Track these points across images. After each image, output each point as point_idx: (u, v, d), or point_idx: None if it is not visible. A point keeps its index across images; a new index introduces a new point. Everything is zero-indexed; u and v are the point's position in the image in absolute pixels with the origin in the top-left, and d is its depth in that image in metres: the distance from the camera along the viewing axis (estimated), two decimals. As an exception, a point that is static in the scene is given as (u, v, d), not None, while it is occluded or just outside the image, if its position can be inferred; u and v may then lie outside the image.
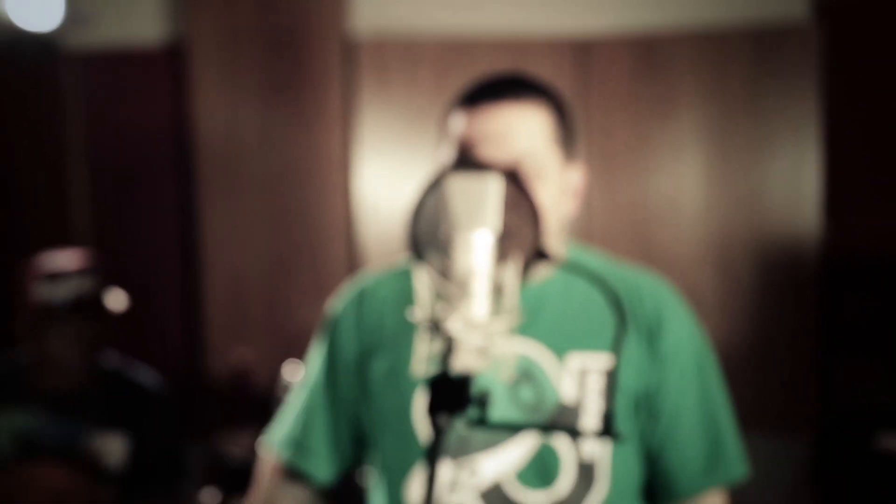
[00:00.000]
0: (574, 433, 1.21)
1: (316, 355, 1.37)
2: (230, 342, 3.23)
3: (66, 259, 2.16)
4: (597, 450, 1.23)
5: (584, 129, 3.22)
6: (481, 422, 0.97)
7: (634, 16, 3.34)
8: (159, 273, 3.36)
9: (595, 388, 1.23)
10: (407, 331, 1.24)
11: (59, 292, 2.09)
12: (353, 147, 3.26)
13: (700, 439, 1.28)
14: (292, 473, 1.35)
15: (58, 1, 3.03)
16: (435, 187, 1.04)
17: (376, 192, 3.26)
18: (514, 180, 1.02)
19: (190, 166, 3.28)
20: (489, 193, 0.99)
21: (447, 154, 1.23)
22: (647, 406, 1.26)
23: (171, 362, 3.06)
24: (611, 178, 3.27)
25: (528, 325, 1.22)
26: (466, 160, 1.17)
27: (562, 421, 1.22)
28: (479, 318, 0.96)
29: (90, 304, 2.12)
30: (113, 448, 2.11)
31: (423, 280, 1.00)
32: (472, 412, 0.95)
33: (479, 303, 0.96)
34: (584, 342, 1.25)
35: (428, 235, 1.03)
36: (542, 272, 1.26)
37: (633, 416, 1.25)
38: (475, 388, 0.95)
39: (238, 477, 2.40)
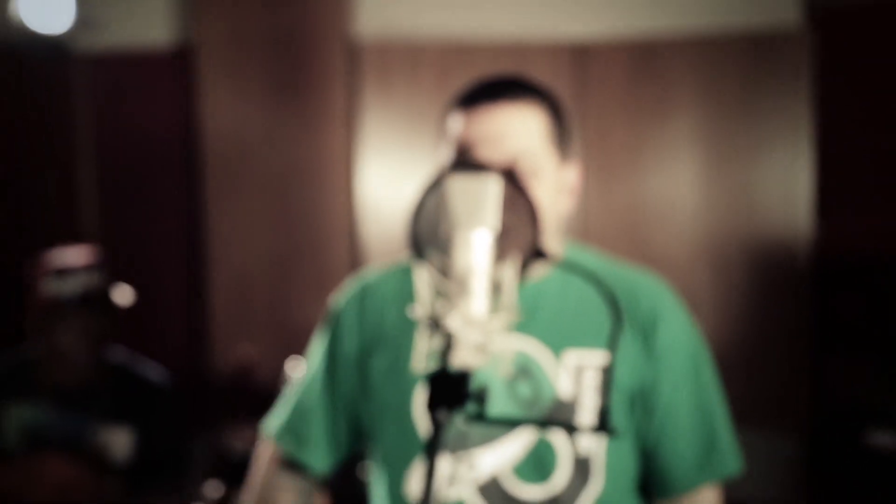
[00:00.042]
0: (570, 429, 1.21)
1: (317, 348, 1.37)
2: (234, 338, 3.23)
3: (74, 255, 2.16)
4: (592, 445, 1.23)
5: (581, 131, 3.22)
6: (479, 417, 0.96)
7: (632, 20, 3.34)
8: (165, 270, 3.36)
9: (591, 384, 1.23)
10: (408, 327, 1.24)
11: (68, 287, 2.09)
12: (356, 147, 3.26)
13: (694, 435, 1.27)
14: (289, 462, 1.35)
15: (68, 4, 3.03)
16: (435, 187, 1.04)
17: (378, 192, 3.26)
18: (512, 180, 1.02)
19: (196, 166, 3.28)
20: (488, 193, 0.99)
21: (446, 155, 1.23)
22: (643, 402, 1.26)
23: (176, 358, 3.05)
24: (607, 179, 3.26)
25: (526, 323, 1.21)
26: (465, 161, 1.17)
27: (558, 416, 1.22)
28: (478, 316, 0.96)
29: (98, 299, 2.12)
30: (119, 442, 2.11)
31: (423, 278, 1.00)
32: (471, 407, 0.95)
33: (477, 300, 0.96)
34: (580, 339, 1.24)
35: (428, 234, 1.04)
36: (539, 271, 1.26)
37: (628, 412, 1.25)
38: (474, 384, 0.95)
39: (241, 470, 2.40)
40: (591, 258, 1.32)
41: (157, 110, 3.36)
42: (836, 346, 3.25)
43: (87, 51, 3.27)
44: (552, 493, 1.23)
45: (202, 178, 3.25)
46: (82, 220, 3.36)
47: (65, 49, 3.16)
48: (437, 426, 0.92)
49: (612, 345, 1.12)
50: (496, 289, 0.99)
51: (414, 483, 1.26)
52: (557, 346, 1.24)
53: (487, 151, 1.19)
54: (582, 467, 1.23)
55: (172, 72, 3.33)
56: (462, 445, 1.23)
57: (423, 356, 0.97)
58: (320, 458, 1.34)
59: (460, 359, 0.94)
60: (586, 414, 1.22)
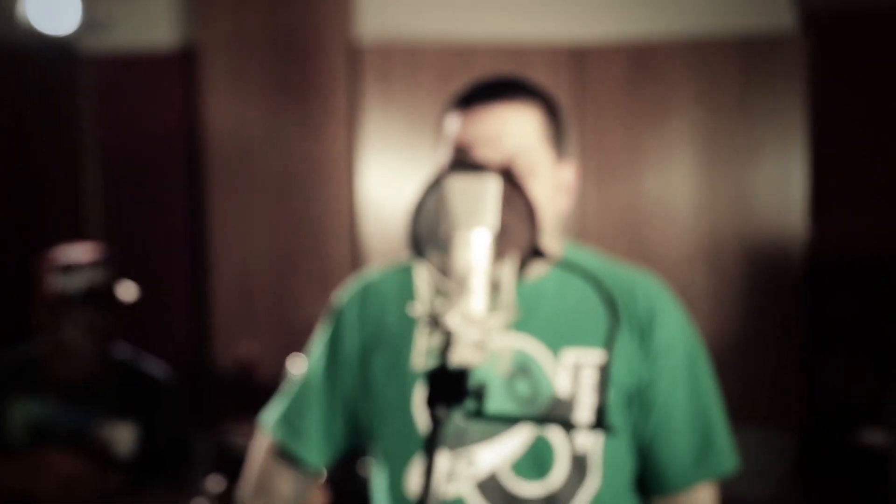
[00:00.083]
0: (568, 426, 1.20)
1: (318, 344, 1.37)
2: (237, 335, 3.22)
3: (79, 252, 2.16)
4: (589, 442, 1.23)
5: (579, 133, 3.22)
6: (478, 414, 0.96)
7: (629, 24, 3.34)
8: (169, 268, 3.35)
9: (588, 382, 1.23)
10: (408, 325, 1.24)
11: (73, 283, 2.09)
12: (357, 148, 3.26)
13: (690, 433, 1.27)
14: (284, 454, 1.35)
15: (75, 6, 3.03)
16: (435, 187, 1.03)
17: (379, 192, 3.26)
18: (510, 180, 1.02)
19: (199, 165, 3.27)
20: (487, 193, 0.98)
21: (445, 155, 1.23)
22: (640, 400, 1.25)
23: (179, 354, 3.05)
24: (605, 180, 3.26)
25: (525, 322, 1.21)
26: (463, 161, 1.17)
27: (556, 414, 1.22)
28: (477, 314, 0.95)
29: (102, 295, 2.12)
30: (123, 436, 2.10)
31: (423, 276, 0.99)
32: (469, 404, 0.94)
33: (476, 299, 0.96)
34: (578, 338, 1.24)
35: (428, 234, 1.03)
36: (538, 270, 1.25)
37: (625, 410, 1.25)
38: (472, 381, 0.94)
39: (242, 465, 2.40)
40: (590, 257, 1.32)
41: (160, 110, 3.36)
42: (829, 346, 3.25)
43: (92, 52, 3.27)
44: (550, 489, 1.22)
45: (205, 177, 3.25)
46: (87, 218, 3.36)
47: (71, 50, 3.16)
48: (436, 423, 0.92)
49: (609, 344, 1.12)
50: (495, 287, 0.99)
51: (414, 479, 1.25)
52: (555, 344, 1.24)
53: (485, 151, 1.19)
54: (579, 464, 1.22)
55: (176, 73, 3.32)
56: (461, 442, 1.23)
57: (422, 354, 0.97)
58: (314, 452, 1.33)
59: (459, 356, 0.94)
60: (584, 412, 1.22)
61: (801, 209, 3.21)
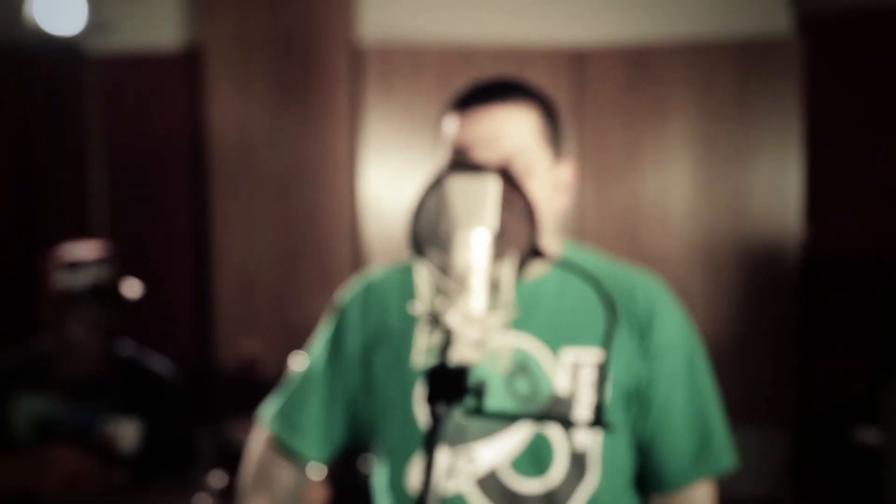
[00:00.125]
0: (567, 424, 1.20)
1: (320, 341, 1.37)
2: (239, 333, 3.22)
3: (85, 249, 2.16)
4: (588, 440, 1.23)
5: (578, 135, 3.22)
6: (478, 411, 0.96)
7: (628, 28, 3.33)
8: (173, 266, 3.35)
9: (587, 380, 1.22)
10: (410, 324, 1.24)
11: (79, 280, 2.08)
12: (359, 148, 3.26)
13: (689, 431, 1.27)
14: (282, 448, 1.34)
15: (81, 7, 3.03)
16: (435, 187, 1.03)
17: (380, 192, 3.26)
18: (509, 180, 1.02)
19: (203, 164, 3.27)
20: (487, 193, 0.98)
21: (444, 157, 1.23)
22: (639, 399, 1.25)
23: (183, 352, 3.05)
24: (604, 180, 3.26)
25: (525, 321, 1.21)
26: (461, 163, 1.17)
27: (555, 412, 1.22)
28: (477, 313, 0.95)
29: (108, 292, 2.12)
30: (127, 433, 2.10)
31: (423, 276, 0.99)
32: (469, 402, 0.94)
33: (476, 298, 0.96)
34: (577, 337, 1.24)
35: (429, 233, 1.03)
36: (538, 269, 1.25)
37: (624, 408, 1.24)
38: (472, 379, 0.94)
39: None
40: (590, 257, 1.32)
41: (165, 110, 3.36)
42: (825, 345, 3.25)
43: (97, 52, 3.27)
44: (549, 486, 1.22)
45: (208, 176, 3.25)
46: (93, 216, 3.36)
47: (76, 50, 3.16)
48: (436, 420, 0.92)
49: (607, 343, 1.11)
50: (494, 287, 0.99)
51: (414, 476, 1.25)
52: (555, 343, 1.23)
53: (483, 153, 1.19)
54: (578, 462, 1.22)
55: (180, 73, 3.32)
56: (461, 439, 1.23)
57: (423, 352, 0.97)
58: (311, 447, 1.33)
59: (459, 354, 0.94)
60: (583, 410, 1.22)
61: (797, 210, 3.21)
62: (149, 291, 2.31)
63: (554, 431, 1.22)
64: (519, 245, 1.02)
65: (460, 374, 0.93)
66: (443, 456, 0.91)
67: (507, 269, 1.00)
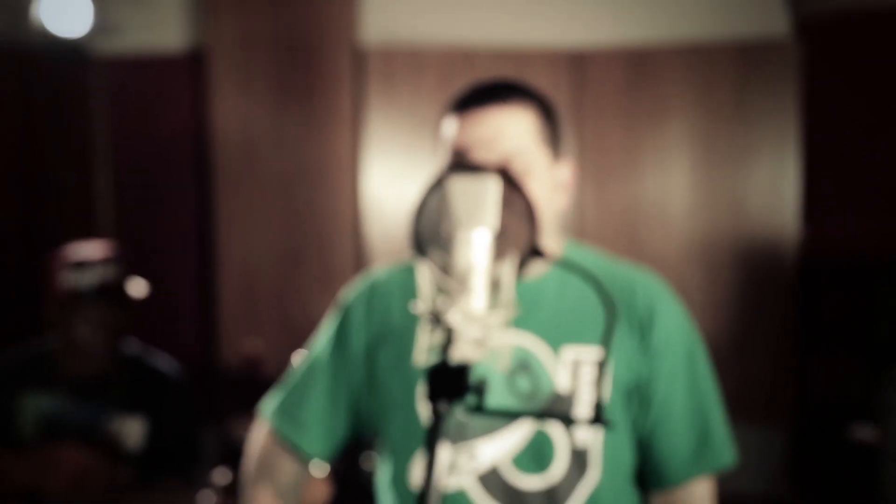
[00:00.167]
0: (568, 421, 1.20)
1: (323, 338, 1.36)
2: (243, 332, 3.22)
3: (91, 249, 2.16)
4: (589, 437, 1.22)
5: (578, 136, 3.21)
6: (478, 409, 0.96)
7: (627, 30, 3.33)
8: (177, 265, 3.35)
9: (588, 378, 1.22)
10: (413, 323, 1.24)
11: (85, 279, 2.09)
12: (361, 149, 3.25)
13: (688, 428, 1.26)
14: (284, 442, 1.34)
15: (87, 9, 3.03)
16: (437, 188, 1.04)
17: (382, 192, 3.26)
18: (510, 181, 1.02)
19: (207, 165, 3.27)
20: (487, 194, 0.99)
21: (444, 158, 1.23)
22: (639, 396, 1.25)
23: (187, 350, 3.05)
24: (604, 181, 3.26)
25: (526, 319, 1.21)
26: (461, 164, 1.17)
27: (556, 409, 1.21)
28: (478, 312, 0.95)
29: (113, 291, 2.12)
30: (132, 430, 2.10)
31: (425, 275, 0.99)
32: (470, 399, 0.94)
33: (477, 297, 0.96)
34: (578, 336, 1.24)
35: (430, 233, 1.03)
36: (539, 268, 1.25)
37: (625, 405, 1.24)
38: (473, 377, 0.94)
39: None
40: (591, 256, 1.32)
41: (170, 111, 3.36)
42: (821, 345, 3.25)
43: (103, 54, 3.27)
44: (550, 483, 1.22)
45: (212, 176, 3.25)
46: (99, 216, 3.36)
47: (83, 52, 3.16)
48: (438, 417, 0.92)
49: (606, 341, 1.12)
50: (495, 286, 0.99)
51: (417, 473, 1.25)
52: (556, 341, 1.23)
53: (481, 153, 1.19)
54: (579, 459, 1.22)
55: (185, 75, 3.32)
56: (463, 436, 1.23)
57: (424, 350, 0.97)
58: (312, 443, 1.32)
59: (460, 353, 0.94)
60: (583, 407, 1.22)
61: (794, 210, 3.21)
62: (153, 290, 2.31)
63: (555, 429, 1.22)
64: (519, 245, 1.02)
65: (461, 372, 0.93)
66: (444, 453, 0.91)
67: (508, 269, 1.00)
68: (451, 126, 1.23)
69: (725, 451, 1.28)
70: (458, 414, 1.20)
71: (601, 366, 1.21)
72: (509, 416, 1.21)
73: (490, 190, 0.99)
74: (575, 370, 1.22)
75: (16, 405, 2.11)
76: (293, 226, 3.26)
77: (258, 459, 1.35)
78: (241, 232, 3.25)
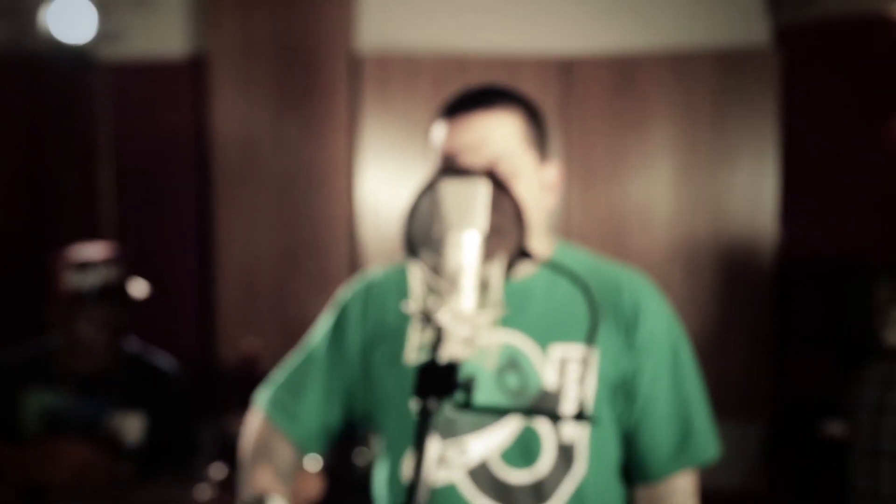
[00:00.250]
0: (554, 417, 1.20)
1: (319, 333, 1.35)
2: (241, 331, 3.21)
3: (94, 250, 2.15)
4: (575, 432, 1.22)
5: (565, 140, 3.21)
6: (467, 405, 0.95)
7: (613, 38, 3.34)
8: (177, 266, 3.34)
9: (574, 376, 1.22)
10: (407, 322, 1.23)
11: (88, 280, 2.07)
12: (357, 153, 3.25)
13: (671, 423, 1.26)
14: (278, 431, 1.33)
15: (92, 17, 3.01)
16: (428, 192, 1.04)
17: (377, 195, 3.25)
18: (498, 184, 1.01)
19: (207, 168, 3.26)
20: (477, 197, 0.99)
21: (434, 162, 1.23)
22: (624, 392, 1.25)
23: (186, 349, 3.04)
24: (589, 185, 3.26)
25: (516, 318, 1.21)
26: (451, 168, 1.17)
27: (543, 405, 1.21)
28: (467, 311, 0.95)
29: (115, 291, 2.11)
30: (132, 426, 2.09)
31: (416, 275, 0.99)
32: (459, 396, 0.94)
33: (466, 297, 0.96)
34: (565, 334, 1.23)
35: (422, 235, 1.03)
36: (527, 269, 1.25)
37: (610, 401, 1.24)
38: (462, 375, 0.94)
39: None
40: (580, 256, 1.31)
41: (171, 116, 3.35)
42: (796, 343, 3.25)
43: (107, 60, 3.26)
44: (537, 477, 1.22)
45: (212, 179, 3.23)
46: (102, 218, 3.34)
47: (88, 58, 3.15)
48: (427, 413, 0.91)
49: (590, 340, 1.11)
50: (484, 286, 0.98)
51: (408, 467, 1.25)
52: (544, 340, 1.23)
53: (469, 158, 1.19)
54: (565, 453, 1.22)
55: (186, 80, 3.31)
56: (453, 432, 1.22)
57: (415, 348, 0.97)
58: (306, 435, 1.32)
59: (449, 351, 0.94)
60: (569, 403, 1.21)
61: (772, 214, 3.21)
62: (154, 290, 2.29)
63: (542, 424, 1.22)
64: (508, 246, 1.02)
65: (450, 369, 0.93)
66: (435, 448, 0.90)
67: (496, 270, 1.00)
68: (440, 131, 1.23)
69: (708, 445, 1.28)
70: (448, 410, 1.20)
71: (588, 363, 1.21)
72: (498, 412, 1.21)
73: (479, 193, 0.99)
74: (562, 368, 1.22)
75: (20, 401, 2.10)
76: (291, 227, 3.25)
77: (255, 442, 1.33)
78: (240, 233, 3.24)
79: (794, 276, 3.22)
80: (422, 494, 0.87)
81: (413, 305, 0.97)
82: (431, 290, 0.97)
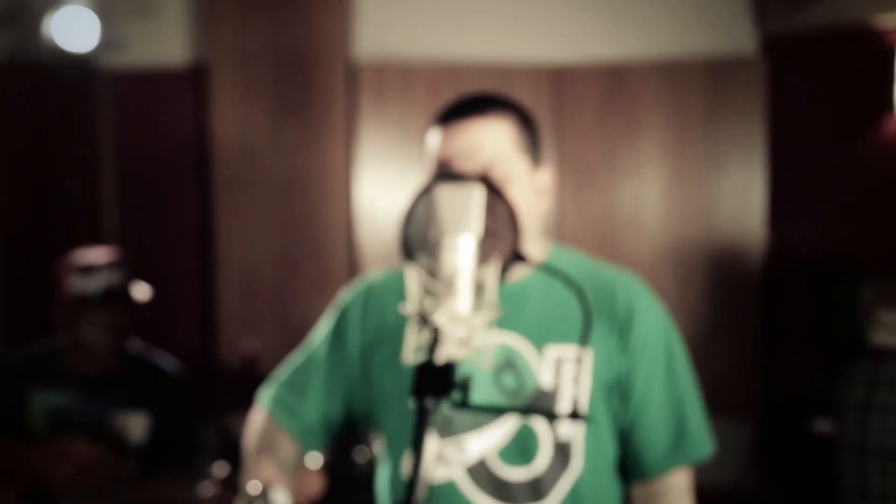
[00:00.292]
0: (550, 416, 1.20)
1: (320, 334, 1.36)
2: (241, 332, 3.21)
3: (97, 254, 2.15)
4: (571, 431, 1.23)
5: (558, 147, 3.23)
6: (463, 404, 0.96)
7: (605, 47, 3.35)
8: (179, 269, 3.34)
9: (570, 376, 1.23)
10: (407, 323, 1.24)
11: (92, 284, 2.08)
12: (354, 158, 3.25)
13: (666, 422, 1.26)
14: (280, 428, 1.33)
15: (94, 25, 3.02)
16: (424, 196, 1.04)
17: (374, 200, 3.25)
18: (492, 188, 1.02)
19: (208, 174, 3.26)
20: (472, 202, 0.99)
21: (429, 168, 1.24)
22: (619, 391, 1.25)
23: (188, 349, 3.04)
24: (582, 190, 3.27)
25: (512, 320, 1.21)
26: (446, 173, 1.17)
27: (540, 404, 1.22)
28: (463, 313, 0.96)
29: (118, 295, 2.11)
30: (136, 425, 2.09)
31: (413, 278, 1.00)
32: (456, 395, 0.95)
33: (462, 299, 0.96)
34: (560, 335, 1.24)
35: (418, 239, 1.04)
36: (523, 271, 1.25)
37: (605, 400, 1.24)
38: (458, 375, 0.95)
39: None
40: (575, 259, 1.32)
41: (172, 122, 3.35)
42: (784, 342, 3.27)
43: (110, 68, 3.26)
44: (535, 474, 1.22)
45: (212, 184, 3.24)
46: (104, 223, 3.34)
47: (90, 66, 3.15)
48: (424, 413, 0.92)
49: (583, 341, 1.12)
50: (479, 288, 0.99)
51: (407, 465, 1.25)
52: (539, 341, 1.23)
53: (463, 163, 1.19)
54: (562, 451, 1.22)
55: (187, 88, 3.32)
56: (452, 431, 1.23)
57: (412, 349, 0.97)
58: (307, 433, 1.32)
59: (446, 351, 0.94)
60: (565, 403, 1.22)
61: (760, 218, 3.23)
62: (156, 292, 2.30)
63: (539, 423, 1.22)
64: (502, 249, 1.03)
65: (447, 369, 0.94)
66: (432, 445, 0.91)
67: (491, 272, 1.00)
68: (435, 138, 1.23)
69: (702, 443, 1.28)
70: (445, 409, 1.20)
71: (583, 363, 1.22)
72: (496, 411, 1.22)
73: (474, 197, 0.99)
74: (558, 368, 1.22)
75: (26, 400, 2.10)
76: (289, 231, 3.25)
77: (258, 437, 1.33)
78: (240, 237, 3.24)
79: (783, 278, 3.24)
80: (420, 491, 0.88)
81: (410, 307, 0.98)
82: (428, 292, 0.98)
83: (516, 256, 1.04)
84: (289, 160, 3.25)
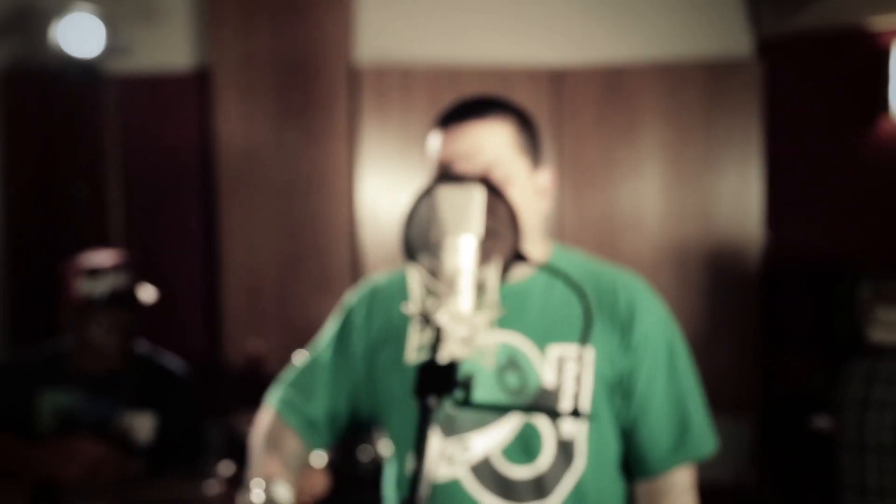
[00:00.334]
0: (553, 414, 1.20)
1: (326, 337, 1.36)
2: (245, 333, 3.21)
3: (103, 257, 2.15)
4: (574, 429, 1.22)
5: (557, 148, 3.23)
6: (466, 403, 0.96)
7: (603, 50, 3.35)
8: (184, 271, 3.34)
9: (572, 374, 1.22)
10: (410, 323, 1.24)
11: (98, 286, 2.08)
12: (356, 161, 3.26)
13: (668, 420, 1.26)
14: (287, 426, 1.33)
15: (100, 32, 3.02)
16: (425, 197, 1.04)
17: (376, 202, 3.26)
18: (493, 189, 1.02)
19: (212, 177, 3.27)
20: (473, 203, 0.99)
21: (431, 170, 1.24)
22: (622, 389, 1.24)
23: (193, 350, 3.04)
24: (581, 191, 3.27)
25: (515, 320, 1.21)
26: (447, 175, 1.17)
27: (543, 403, 1.21)
28: (464, 312, 0.96)
29: (125, 297, 2.11)
30: (142, 425, 2.09)
31: (415, 278, 1.00)
32: (458, 394, 0.94)
33: (464, 299, 0.96)
34: (562, 335, 1.24)
35: (420, 239, 1.04)
36: (525, 271, 1.25)
37: (608, 398, 1.24)
38: (460, 374, 0.94)
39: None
40: (577, 259, 1.31)
41: (177, 126, 3.35)
42: (782, 340, 3.26)
43: (115, 73, 3.26)
44: (538, 472, 1.22)
45: (217, 187, 3.24)
46: (111, 225, 3.34)
47: (96, 72, 3.16)
48: (428, 411, 0.92)
49: (584, 340, 1.12)
50: (481, 288, 0.99)
51: (410, 462, 1.25)
52: (542, 340, 1.23)
53: (464, 165, 1.19)
54: (565, 449, 1.22)
55: (191, 92, 3.32)
56: (455, 429, 1.22)
57: (415, 349, 0.97)
58: (318, 438, 1.33)
59: (448, 351, 0.94)
60: (568, 401, 1.22)
61: (757, 217, 3.22)
62: (162, 294, 2.30)
63: (542, 421, 1.22)
64: (503, 249, 1.03)
65: (449, 368, 0.93)
66: (436, 444, 0.91)
67: (493, 272, 1.00)
68: (435, 140, 1.23)
69: (705, 441, 1.27)
70: (449, 408, 1.20)
71: (585, 362, 1.22)
72: (499, 410, 1.21)
73: (475, 199, 0.99)
74: (560, 367, 1.22)
75: (35, 400, 2.10)
76: (293, 233, 3.26)
77: (265, 435, 1.33)
78: (244, 239, 3.24)
79: (781, 277, 3.24)
80: (424, 489, 0.88)
81: (412, 307, 0.98)
82: (430, 292, 0.98)
83: (517, 256, 1.04)
84: (292, 162, 3.25)
